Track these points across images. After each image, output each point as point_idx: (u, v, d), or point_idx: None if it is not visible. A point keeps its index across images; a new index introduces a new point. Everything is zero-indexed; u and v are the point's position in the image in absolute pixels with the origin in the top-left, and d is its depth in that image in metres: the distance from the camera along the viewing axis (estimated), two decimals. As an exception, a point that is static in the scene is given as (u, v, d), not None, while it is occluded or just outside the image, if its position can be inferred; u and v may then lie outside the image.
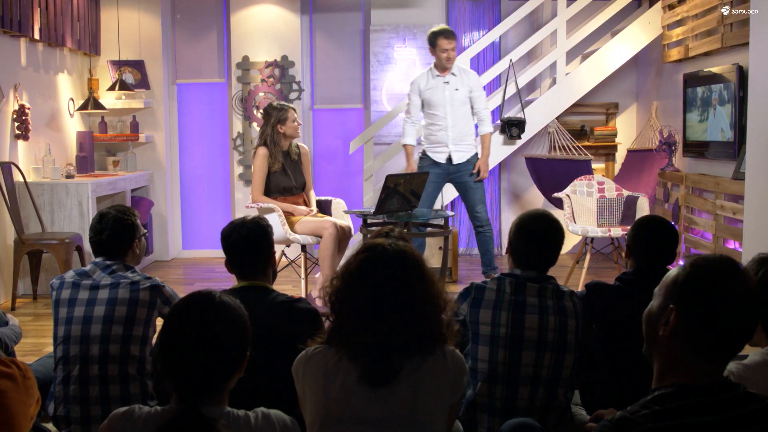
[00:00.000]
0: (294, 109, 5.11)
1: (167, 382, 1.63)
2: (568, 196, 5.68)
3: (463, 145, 5.36)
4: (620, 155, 6.93)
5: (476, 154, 5.41)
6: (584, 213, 5.69)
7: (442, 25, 5.36)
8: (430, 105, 5.37)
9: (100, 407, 2.52)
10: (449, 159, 5.34)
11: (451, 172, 5.38)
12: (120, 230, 2.70)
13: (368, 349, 1.81)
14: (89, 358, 2.53)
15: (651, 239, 2.61)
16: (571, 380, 2.50)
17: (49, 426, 2.55)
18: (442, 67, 5.32)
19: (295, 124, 5.08)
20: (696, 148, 5.69)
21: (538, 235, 2.49)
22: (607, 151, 6.99)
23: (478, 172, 5.37)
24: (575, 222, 5.54)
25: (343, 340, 1.84)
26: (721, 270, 1.42)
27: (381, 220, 4.76)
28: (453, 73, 5.31)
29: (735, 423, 1.39)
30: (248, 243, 2.57)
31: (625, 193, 5.71)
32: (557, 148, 6.41)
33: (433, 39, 5.26)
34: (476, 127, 5.54)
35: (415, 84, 5.43)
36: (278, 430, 1.69)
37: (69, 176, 5.66)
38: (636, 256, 2.62)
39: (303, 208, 5.07)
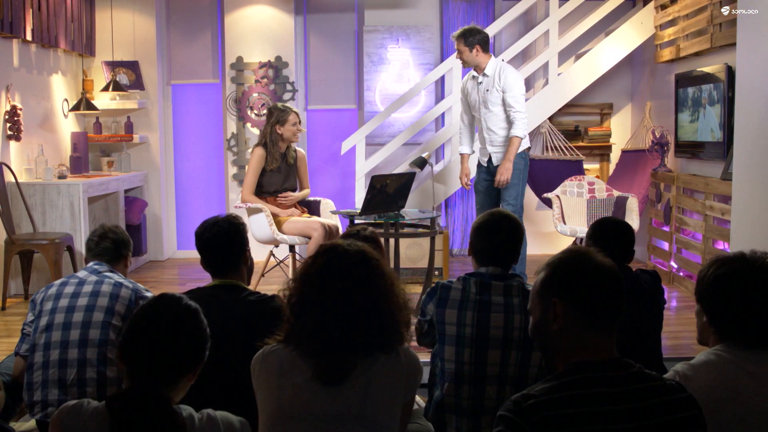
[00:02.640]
0: (297, 114, 5.09)
1: (123, 371, 1.72)
2: (557, 196, 5.67)
3: (499, 147, 5.13)
4: (615, 156, 6.92)
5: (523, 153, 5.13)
6: (574, 213, 5.68)
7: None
8: (471, 107, 5.25)
9: (77, 390, 2.58)
10: (490, 161, 5.17)
11: (492, 173, 5.17)
12: (119, 243, 3.02)
13: (323, 347, 1.82)
14: (69, 342, 2.64)
15: (606, 238, 2.71)
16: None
17: (15, 425, 2.57)
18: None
19: (295, 128, 5.05)
20: (687, 149, 5.67)
21: (496, 230, 2.52)
22: (602, 152, 6.97)
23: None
24: (564, 222, 5.53)
25: (299, 339, 1.86)
26: (577, 255, 1.66)
27: (372, 221, 4.75)
28: (486, 74, 5.09)
29: (627, 397, 1.53)
30: (220, 241, 2.59)
31: (616, 193, 5.70)
32: (550, 148, 6.40)
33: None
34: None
35: (461, 86, 5.30)
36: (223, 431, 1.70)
37: (62, 177, 5.69)
38: (594, 255, 2.64)
39: (289, 211, 5.10)
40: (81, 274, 2.85)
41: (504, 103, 5.04)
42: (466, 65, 5.13)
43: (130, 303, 2.78)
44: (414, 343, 2.86)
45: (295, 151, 5.23)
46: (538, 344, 1.70)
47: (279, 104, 5.16)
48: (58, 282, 2.85)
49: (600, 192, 5.70)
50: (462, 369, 2.46)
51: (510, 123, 5.04)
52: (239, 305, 2.51)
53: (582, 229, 5.35)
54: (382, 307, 1.86)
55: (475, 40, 5.03)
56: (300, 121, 5.13)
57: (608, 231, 2.80)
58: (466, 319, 2.45)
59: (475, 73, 5.16)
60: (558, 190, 5.72)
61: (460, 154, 5.36)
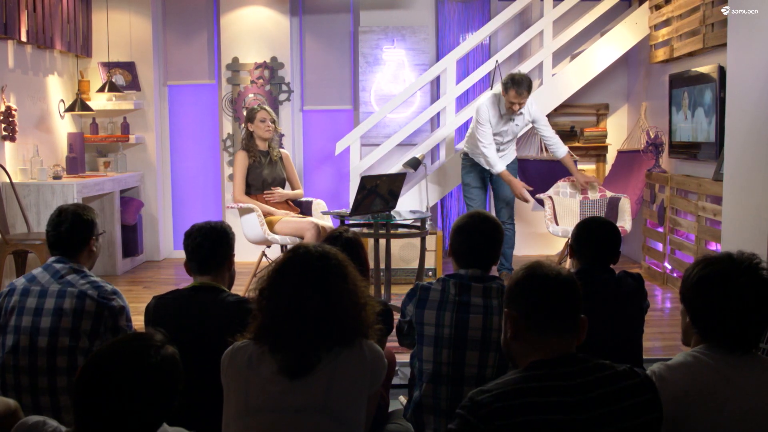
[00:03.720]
0: (267, 111, 5.29)
1: (73, 416, 1.52)
2: (550, 197, 5.67)
3: (507, 153, 5.66)
4: (611, 156, 6.90)
5: (515, 158, 5.78)
6: (567, 214, 5.67)
7: (521, 74, 5.34)
8: (496, 134, 5.61)
9: (52, 414, 2.50)
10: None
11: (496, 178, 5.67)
12: (78, 225, 2.71)
13: (289, 343, 1.89)
14: (38, 369, 2.54)
15: (591, 240, 2.66)
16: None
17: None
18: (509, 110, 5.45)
19: (264, 124, 5.23)
20: (681, 149, 5.66)
21: (475, 232, 2.52)
22: (598, 152, 6.96)
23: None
24: (557, 223, 5.53)
25: (264, 334, 1.93)
26: (527, 267, 1.74)
27: (366, 221, 4.76)
28: (521, 112, 5.49)
29: (580, 388, 1.58)
30: (208, 238, 2.64)
31: (608, 194, 5.69)
32: (544, 149, 6.39)
33: (507, 86, 5.30)
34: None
35: (486, 115, 5.45)
36: None
37: (56, 177, 5.71)
38: (579, 256, 2.63)
39: (282, 212, 5.14)
40: (42, 278, 2.63)
41: (538, 130, 5.69)
42: (516, 112, 5.42)
43: (96, 318, 2.60)
44: (395, 343, 2.88)
45: (279, 151, 5.40)
46: (505, 355, 1.78)
47: (253, 106, 5.43)
48: (19, 286, 2.64)
49: (593, 192, 5.69)
50: (440, 369, 2.47)
51: (553, 145, 5.66)
52: (217, 306, 2.54)
53: (574, 230, 5.35)
54: (339, 306, 1.92)
55: None
56: (273, 120, 5.29)
57: (593, 232, 2.73)
58: (444, 319, 2.46)
59: (503, 110, 5.44)
60: (551, 191, 5.72)
61: (501, 173, 5.51)
